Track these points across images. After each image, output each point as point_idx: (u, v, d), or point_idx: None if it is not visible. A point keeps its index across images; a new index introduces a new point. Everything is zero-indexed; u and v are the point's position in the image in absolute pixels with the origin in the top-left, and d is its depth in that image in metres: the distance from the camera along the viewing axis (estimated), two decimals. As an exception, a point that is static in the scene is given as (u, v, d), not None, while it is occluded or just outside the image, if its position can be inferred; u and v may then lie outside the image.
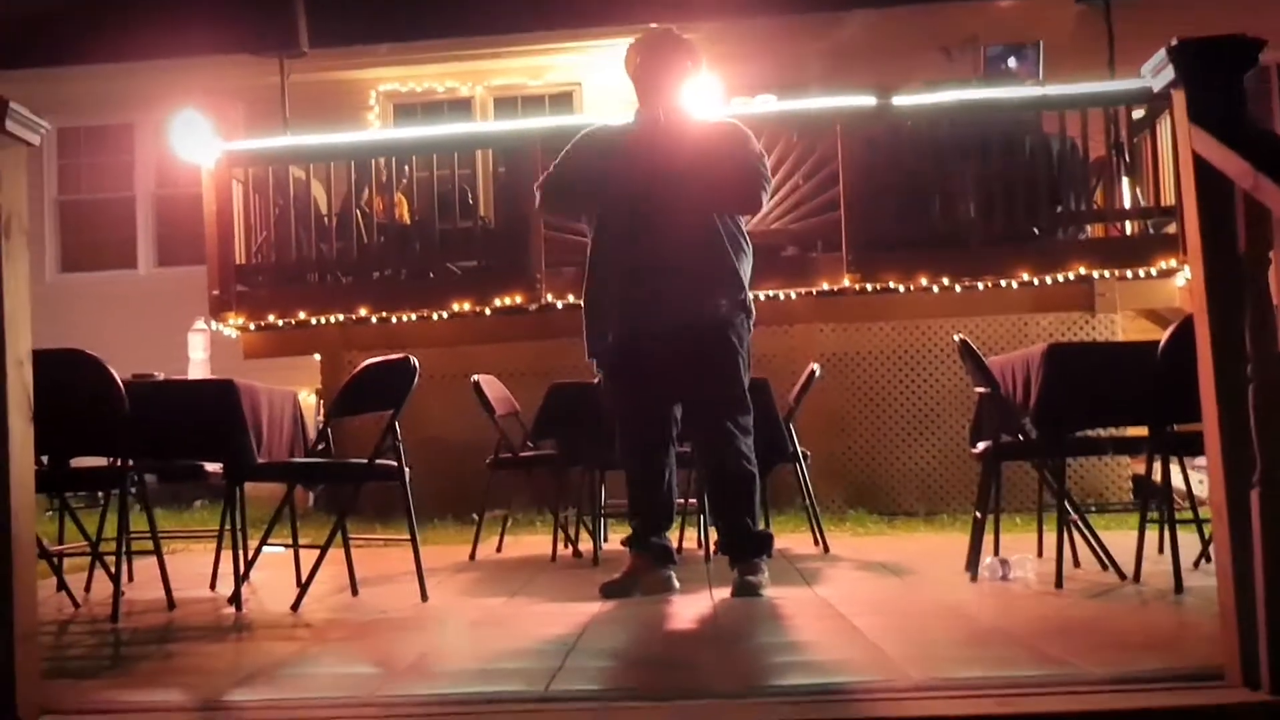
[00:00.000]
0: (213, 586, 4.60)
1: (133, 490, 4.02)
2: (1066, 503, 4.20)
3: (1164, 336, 3.90)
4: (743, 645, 3.06)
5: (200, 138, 8.15)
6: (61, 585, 4.36)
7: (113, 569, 3.99)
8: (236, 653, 3.33)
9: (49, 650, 3.41)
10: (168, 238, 11.84)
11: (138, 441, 3.89)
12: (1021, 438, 4.42)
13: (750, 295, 4.13)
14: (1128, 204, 8.29)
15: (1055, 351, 4.08)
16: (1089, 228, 8.45)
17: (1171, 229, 7.95)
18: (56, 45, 11.14)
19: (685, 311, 3.99)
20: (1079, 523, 4.35)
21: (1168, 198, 7.93)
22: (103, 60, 10.99)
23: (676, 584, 4.10)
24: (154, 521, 4.20)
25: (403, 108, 11.44)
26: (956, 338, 4.51)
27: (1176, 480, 8.31)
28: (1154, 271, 8.03)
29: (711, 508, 4.21)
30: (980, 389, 4.58)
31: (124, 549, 3.94)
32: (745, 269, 4.13)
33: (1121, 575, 4.15)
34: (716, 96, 7.67)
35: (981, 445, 4.49)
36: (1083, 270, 7.97)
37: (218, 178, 8.21)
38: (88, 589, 4.56)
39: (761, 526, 4.24)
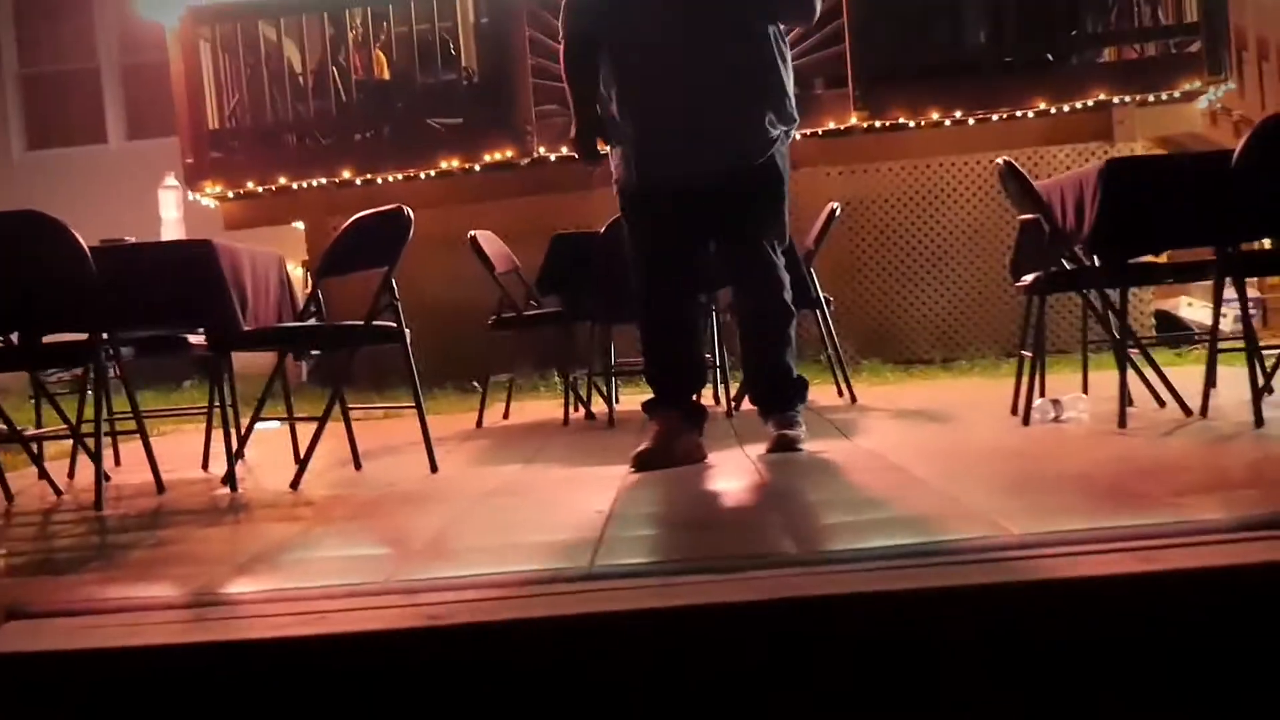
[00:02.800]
0: (205, 467, 4.29)
1: (111, 365, 3.66)
2: (1129, 336, 3.86)
3: (1239, 144, 3.51)
4: (801, 504, 2.74)
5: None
6: (42, 473, 4.03)
7: (97, 453, 3.64)
8: (233, 537, 3.01)
9: (28, 544, 3.11)
10: (137, 109, 11.28)
11: (110, 311, 3.52)
12: (1072, 266, 4.06)
13: (793, 102, 3.64)
14: (1148, 23, 7.80)
15: (1113, 167, 3.69)
16: (1105, 51, 7.98)
17: (1194, 47, 7.50)
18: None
19: (731, 138, 3.50)
20: (1143, 356, 4.02)
21: (1191, 13, 7.47)
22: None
23: (705, 453, 3.62)
24: (134, 398, 3.85)
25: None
26: (999, 160, 4.10)
27: (1196, 315, 8.14)
28: (1176, 94, 7.61)
29: (746, 351, 3.73)
30: (1025, 216, 4.21)
31: (101, 430, 3.59)
32: (789, 79, 3.62)
33: (1188, 411, 3.84)
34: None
35: (1029, 277, 4.14)
36: (1101, 96, 7.55)
37: (183, 36, 7.69)
38: (71, 476, 4.24)
39: (796, 373, 3.73)
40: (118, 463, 4.53)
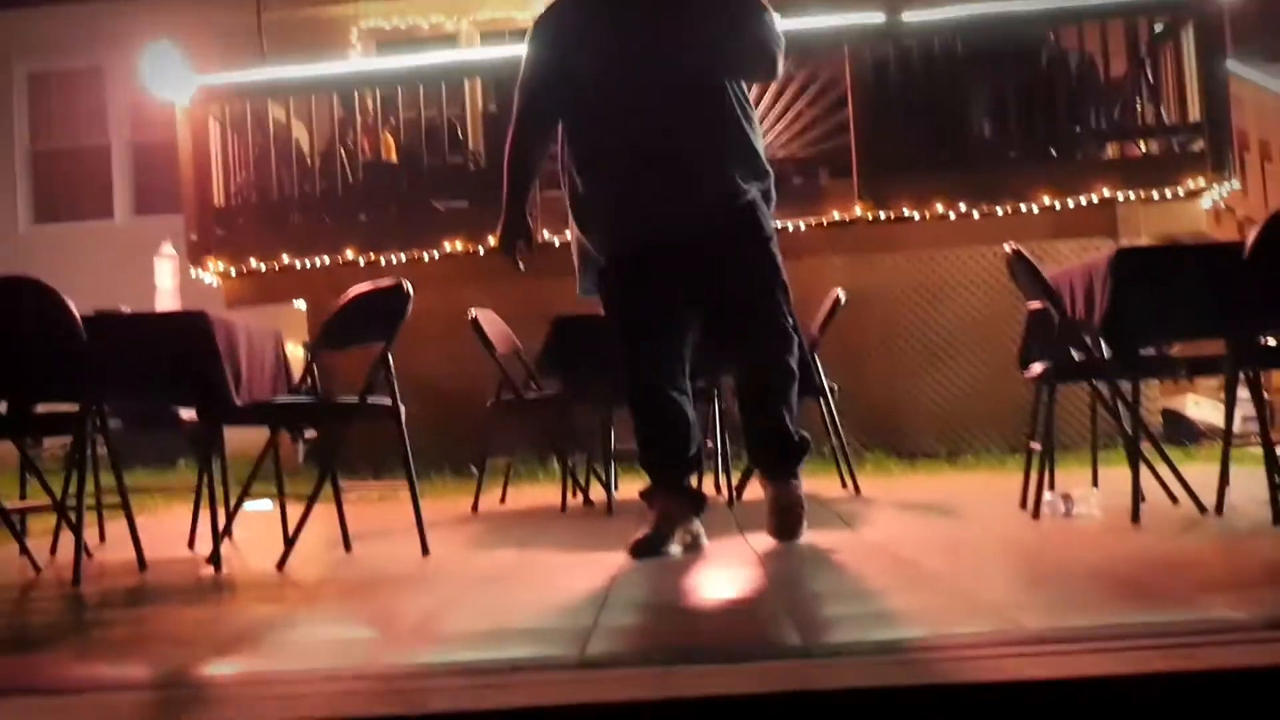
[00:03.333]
0: (191, 545, 4.17)
1: (99, 437, 3.58)
2: (1142, 430, 3.77)
3: (1251, 236, 3.47)
4: (804, 593, 2.63)
5: (174, 72, 7.65)
6: (23, 548, 3.92)
7: (78, 526, 3.54)
8: (215, 617, 2.90)
9: (1, 619, 3.00)
10: (145, 185, 11.35)
11: (100, 381, 3.44)
12: (1082, 357, 3.99)
13: (764, 159, 3.46)
14: (1151, 121, 7.85)
15: (1123, 256, 3.63)
16: (1110, 147, 8.02)
17: (1198, 146, 7.54)
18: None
19: (699, 196, 3.32)
20: (1156, 452, 3.93)
21: (1194, 113, 7.52)
22: (72, 0, 10.47)
23: (705, 540, 3.47)
24: (120, 473, 3.75)
25: (385, 45, 10.90)
26: (1008, 247, 4.06)
27: (1202, 414, 8.06)
28: (1180, 192, 7.63)
29: (745, 408, 3.50)
30: (1033, 304, 4.16)
31: (84, 503, 3.49)
32: (759, 143, 3.46)
33: (1202, 508, 3.74)
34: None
35: (1038, 367, 4.06)
36: (1105, 192, 7.56)
37: (193, 115, 7.73)
38: (53, 551, 4.12)
39: (798, 433, 3.49)
40: (102, 539, 4.41)
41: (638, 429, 3.52)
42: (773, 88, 7.56)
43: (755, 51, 3.40)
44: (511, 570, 3.37)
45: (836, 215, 7.65)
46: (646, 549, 3.31)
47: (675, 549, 3.36)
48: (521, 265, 3.59)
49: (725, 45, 3.36)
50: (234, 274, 7.97)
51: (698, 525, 3.48)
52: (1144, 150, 7.94)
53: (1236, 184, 7.87)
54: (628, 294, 3.43)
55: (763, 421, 3.46)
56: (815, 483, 5.68)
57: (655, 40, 3.35)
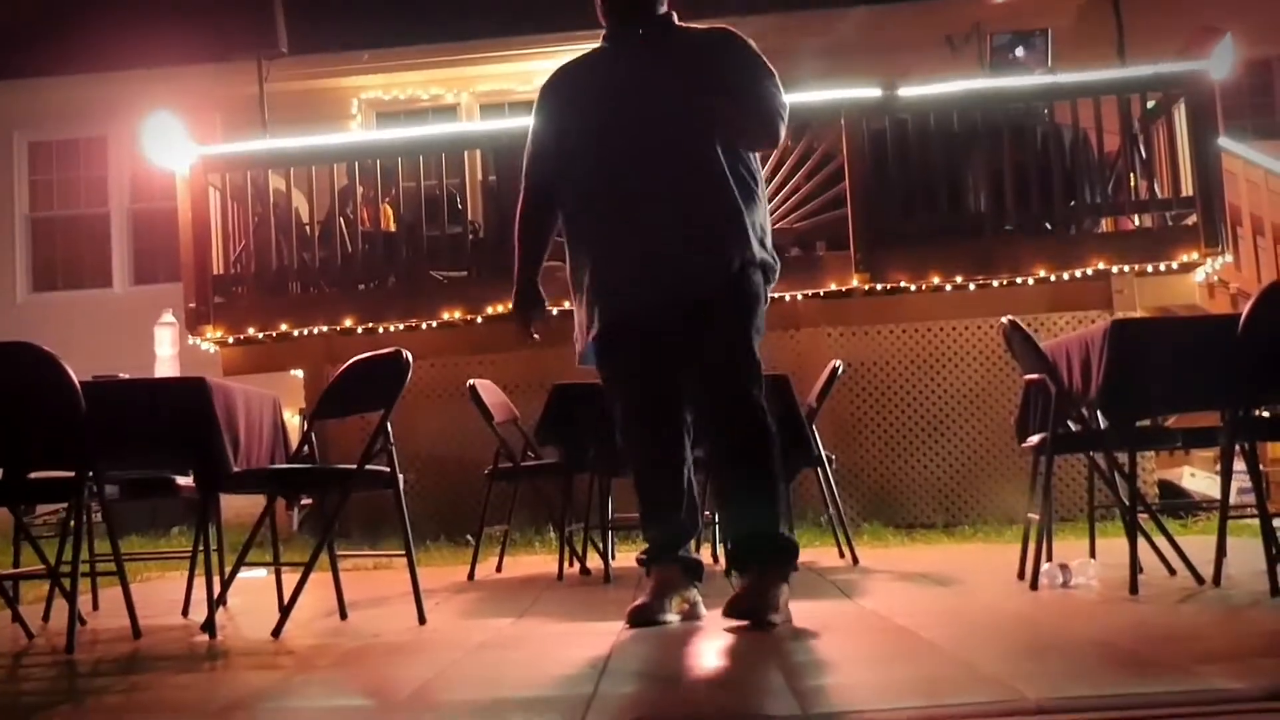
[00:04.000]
0: (185, 613, 4.14)
1: (94, 504, 3.57)
2: (1139, 501, 3.77)
3: (1245, 308, 3.50)
4: (802, 663, 2.61)
5: (174, 142, 7.72)
6: (15, 615, 3.88)
7: (72, 593, 3.51)
8: (209, 684, 2.87)
9: (-8, 688, 2.97)
10: (144, 254, 11.42)
11: (98, 447, 3.44)
12: (1079, 428, 4.00)
13: (769, 247, 3.38)
14: (1144, 196, 7.94)
15: (1119, 327, 3.67)
16: (1104, 221, 8.10)
17: (1191, 220, 7.61)
18: (25, 55, 10.73)
19: (682, 272, 3.26)
20: (1154, 523, 3.93)
21: (1186, 188, 7.61)
22: (74, 71, 10.60)
23: (703, 610, 3.41)
24: (115, 539, 3.73)
25: (386, 116, 11.06)
26: (1004, 319, 4.09)
27: (1199, 486, 8.05)
28: (1174, 265, 7.69)
29: (717, 493, 3.42)
30: (1030, 376, 4.18)
31: (79, 570, 3.47)
32: (758, 215, 3.37)
33: (1200, 579, 3.73)
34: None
35: (1035, 438, 4.07)
36: (1100, 265, 7.62)
37: (193, 184, 7.79)
38: (46, 618, 4.09)
39: (785, 531, 3.30)
40: (96, 606, 4.38)
41: (639, 497, 3.50)
42: (771, 160, 7.65)
43: (754, 119, 3.33)
44: (508, 639, 3.35)
45: (834, 286, 7.69)
46: (644, 617, 3.27)
47: (673, 617, 3.34)
48: (535, 335, 3.59)
49: (720, 111, 3.29)
50: (232, 342, 7.99)
51: (695, 594, 3.45)
52: (1138, 224, 8.02)
53: (1229, 257, 7.94)
54: (618, 364, 3.42)
55: (739, 505, 3.32)
56: (813, 552, 5.68)
57: (643, 106, 3.30)
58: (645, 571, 3.49)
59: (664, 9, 3.41)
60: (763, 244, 3.39)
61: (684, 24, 3.46)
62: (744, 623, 3.09)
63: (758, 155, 3.50)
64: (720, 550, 4.98)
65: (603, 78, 3.40)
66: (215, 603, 3.69)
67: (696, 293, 3.28)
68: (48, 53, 10.85)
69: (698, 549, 3.61)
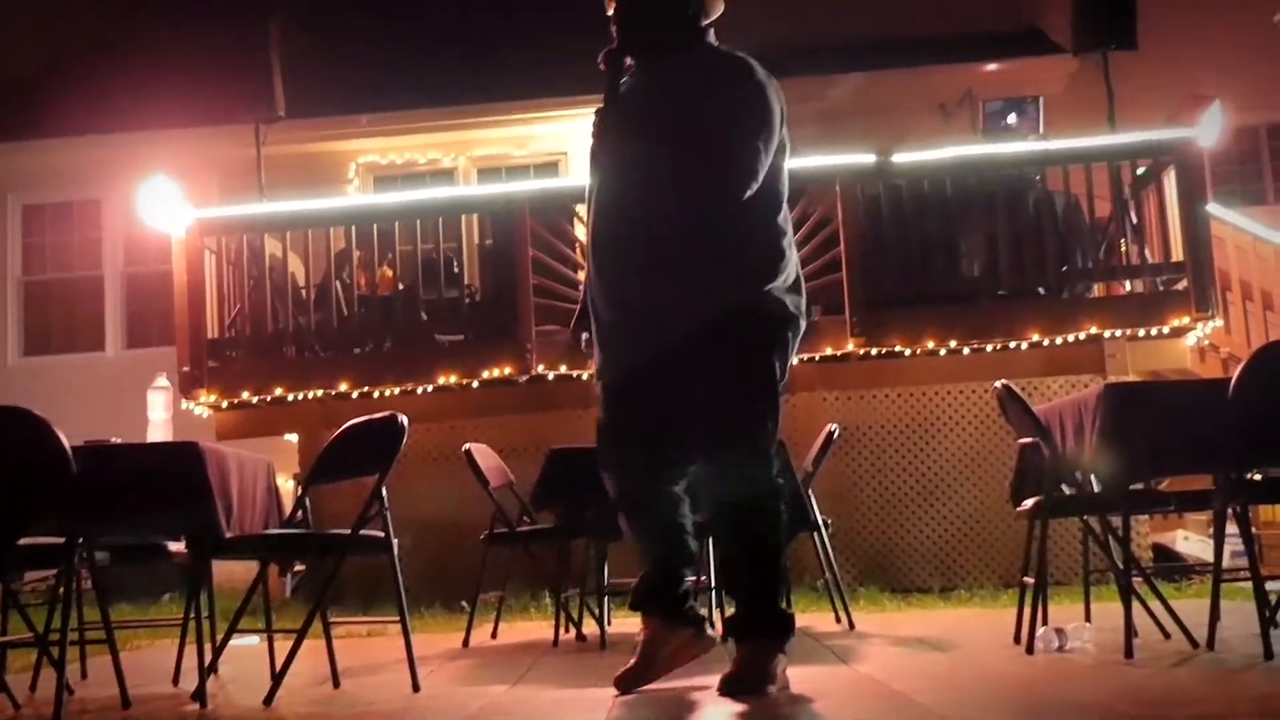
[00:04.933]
0: (175, 682, 4.08)
1: (83, 569, 3.54)
2: (1133, 565, 3.77)
3: (1236, 372, 3.52)
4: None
5: (170, 205, 7.77)
6: (2, 685, 3.84)
7: (60, 662, 3.47)
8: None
9: (-22, 758, 2.93)
10: (138, 318, 11.44)
11: (88, 512, 3.42)
12: (1073, 492, 4.01)
13: (783, 290, 3.23)
14: (1136, 261, 8.01)
15: (1112, 391, 3.69)
16: (1097, 286, 8.17)
17: (1181, 285, 7.67)
18: (20, 117, 10.83)
19: (672, 319, 3.18)
20: (1148, 586, 3.92)
21: (1177, 253, 7.68)
22: (69, 133, 10.68)
23: (711, 634, 3.30)
24: (105, 606, 3.71)
25: (383, 180, 11.17)
26: (998, 383, 4.11)
27: (1192, 549, 8.02)
28: (1165, 330, 7.74)
29: (723, 579, 3.43)
30: (1024, 440, 4.19)
31: (67, 638, 3.43)
32: (760, 253, 3.21)
33: (1194, 643, 3.72)
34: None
35: (1029, 502, 4.07)
36: (1093, 330, 7.67)
37: (189, 246, 7.82)
38: (33, 688, 4.03)
39: (782, 605, 3.22)
40: (84, 675, 4.32)
41: (636, 540, 3.41)
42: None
43: (718, 164, 3.16)
44: (503, 706, 3.31)
45: (829, 351, 7.73)
46: (630, 682, 3.22)
47: (662, 678, 3.27)
48: (585, 350, 3.52)
49: (699, 158, 3.15)
50: (226, 406, 7.98)
51: (689, 634, 3.33)
52: (1130, 289, 8.08)
53: (1220, 322, 7.99)
54: (616, 410, 3.34)
55: (735, 580, 3.27)
56: (809, 617, 5.64)
57: (640, 148, 3.20)
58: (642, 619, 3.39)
59: (681, 35, 3.27)
60: (763, 289, 3.21)
61: (704, 47, 3.31)
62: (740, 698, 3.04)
63: (781, 185, 3.30)
64: (717, 616, 4.94)
65: (614, 119, 3.23)
66: (206, 671, 3.65)
67: (684, 340, 3.16)
68: (43, 115, 10.95)
69: (686, 595, 3.41)
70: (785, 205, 3.32)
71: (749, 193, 3.17)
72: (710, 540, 4.69)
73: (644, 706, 3.07)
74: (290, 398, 7.87)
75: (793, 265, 3.32)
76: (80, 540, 3.45)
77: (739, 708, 2.97)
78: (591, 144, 3.31)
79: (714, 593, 4.97)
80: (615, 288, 3.28)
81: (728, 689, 3.05)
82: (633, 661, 3.30)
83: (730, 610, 3.45)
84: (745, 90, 3.21)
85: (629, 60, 3.30)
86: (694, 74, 3.25)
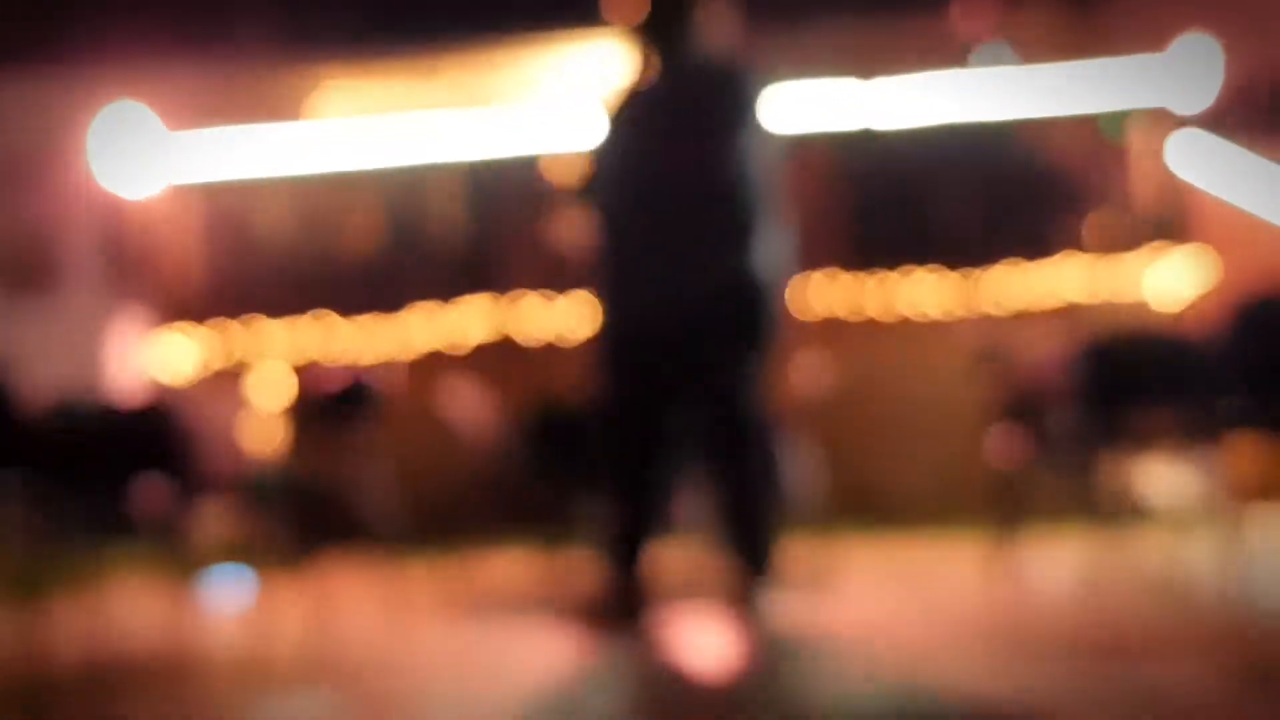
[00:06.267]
0: (154, 629, 4.07)
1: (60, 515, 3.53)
2: (1114, 501, 3.83)
3: (1219, 318, 3.56)
4: (784, 675, 2.61)
5: (141, 152, 7.67)
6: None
7: (41, 610, 3.46)
8: (179, 698, 2.83)
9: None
10: (109, 268, 11.29)
11: (65, 465, 3.40)
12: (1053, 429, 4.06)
13: (768, 273, 3.50)
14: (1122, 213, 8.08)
15: (1097, 338, 3.76)
16: (1079, 229, 8.23)
17: (1162, 240, 7.76)
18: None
19: (686, 291, 3.44)
20: (1124, 522, 3.98)
21: (1157, 210, 7.76)
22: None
23: (659, 618, 3.49)
24: (83, 552, 3.69)
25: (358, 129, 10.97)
26: (981, 319, 4.13)
27: (1170, 487, 8.13)
28: (1151, 280, 7.80)
29: (723, 516, 3.57)
30: (1006, 380, 4.22)
31: (41, 579, 3.42)
32: (763, 235, 3.49)
33: (1167, 574, 3.78)
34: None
35: (1010, 442, 4.12)
36: (1079, 281, 7.72)
37: (160, 196, 7.76)
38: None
39: (771, 543, 3.54)
40: (64, 620, 4.28)
41: (616, 497, 3.60)
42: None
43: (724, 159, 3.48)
44: (485, 654, 3.32)
45: (816, 306, 7.79)
46: (596, 617, 3.43)
47: (627, 620, 3.40)
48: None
49: (711, 154, 3.47)
50: (200, 360, 7.95)
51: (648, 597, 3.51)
52: (1111, 244, 8.15)
53: (1205, 271, 8.07)
54: (622, 378, 3.57)
55: (739, 526, 3.51)
56: (791, 554, 5.65)
57: (668, 137, 3.52)
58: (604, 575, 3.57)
59: (701, 41, 3.56)
60: (755, 274, 3.47)
61: (710, 54, 3.59)
62: (730, 619, 3.31)
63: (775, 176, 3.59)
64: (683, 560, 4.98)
65: (627, 109, 3.57)
66: (188, 613, 3.65)
67: (701, 308, 3.44)
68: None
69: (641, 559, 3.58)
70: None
71: (746, 178, 3.48)
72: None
73: (629, 653, 3.09)
74: (270, 349, 7.84)
75: (789, 242, 3.64)
76: (51, 489, 3.43)
77: (722, 636, 3.00)
78: (613, 121, 3.58)
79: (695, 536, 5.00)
80: (638, 254, 3.52)
81: (721, 610, 3.38)
82: (598, 601, 3.49)
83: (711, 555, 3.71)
84: (746, 89, 3.53)
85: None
86: (701, 77, 3.56)
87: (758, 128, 3.51)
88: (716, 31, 3.60)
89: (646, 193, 3.52)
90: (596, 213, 3.62)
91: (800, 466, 5.33)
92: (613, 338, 3.58)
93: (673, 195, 3.48)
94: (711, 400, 3.51)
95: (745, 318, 3.47)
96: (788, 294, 3.60)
